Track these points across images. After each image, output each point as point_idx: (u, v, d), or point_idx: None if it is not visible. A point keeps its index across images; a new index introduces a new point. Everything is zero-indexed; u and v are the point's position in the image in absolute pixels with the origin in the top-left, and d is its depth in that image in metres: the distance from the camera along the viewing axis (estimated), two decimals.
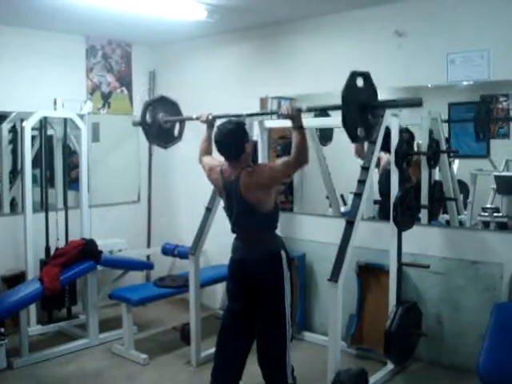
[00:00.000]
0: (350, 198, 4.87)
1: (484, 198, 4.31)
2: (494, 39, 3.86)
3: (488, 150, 4.39)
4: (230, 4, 4.30)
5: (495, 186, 4.26)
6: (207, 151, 3.70)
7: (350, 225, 3.45)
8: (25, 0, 4.12)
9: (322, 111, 4.81)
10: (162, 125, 4.04)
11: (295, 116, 3.05)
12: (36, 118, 4.73)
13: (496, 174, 4.22)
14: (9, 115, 5.04)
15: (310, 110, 3.19)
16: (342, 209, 5.03)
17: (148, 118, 3.99)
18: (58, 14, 4.55)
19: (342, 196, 5.09)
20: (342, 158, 5.08)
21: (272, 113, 3.33)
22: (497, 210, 4.22)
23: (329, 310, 3.41)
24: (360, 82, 2.94)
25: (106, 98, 5.77)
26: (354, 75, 2.90)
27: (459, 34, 4.00)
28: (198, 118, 3.82)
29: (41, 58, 5.18)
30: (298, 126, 3.06)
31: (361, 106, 2.92)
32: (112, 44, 5.79)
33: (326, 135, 5.06)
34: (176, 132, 4.18)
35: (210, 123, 3.76)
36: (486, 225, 4.23)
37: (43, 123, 4.95)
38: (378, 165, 4.25)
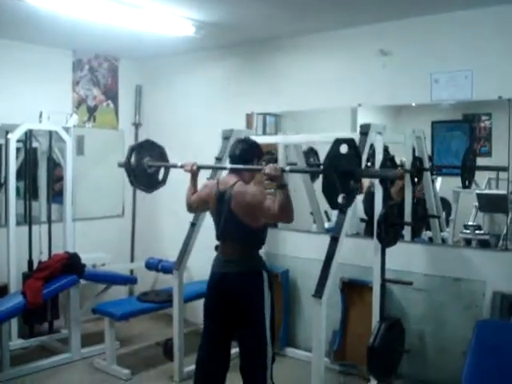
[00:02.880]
0: (333, 215, 4.93)
1: (466, 215, 4.34)
2: (476, 60, 3.93)
3: None
4: (218, 21, 4.35)
5: (477, 204, 4.29)
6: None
7: (334, 241, 3.47)
8: (12, 13, 4.12)
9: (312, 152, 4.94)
10: (146, 169, 3.94)
11: (278, 176, 3.06)
12: (21, 130, 4.71)
13: (478, 191, 4.25)
14: None
15: (292, 171, 3.29)
16: (326, 225, 5.04)
17: (133, 161, 3.88)
18: (46, 28, 4.57)
19: (325, 212, 5.10)
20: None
21: (256, 170, 3.33)
22: (479, 227, 4.25)
23: (312, 326, 3.41)
24: (344, 149, 2.85)
25: (92, 111, 5.77)
26: (337, 143, 2.80)
27: (443, 54, 4.08)
28: (182, 167, 3.71)
29: (27, 70, 5.18)
30: (282, 185, 3.07)
31: (343, 173, 2.82)
32: (99, 58, 5.80)
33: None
34: (160, 176, 4.08)
35: (194, 173, 3.65)
36: (467, 242, 4.25)
37: (28, 135, 4.93)
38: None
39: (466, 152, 4.26)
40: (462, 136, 4.42)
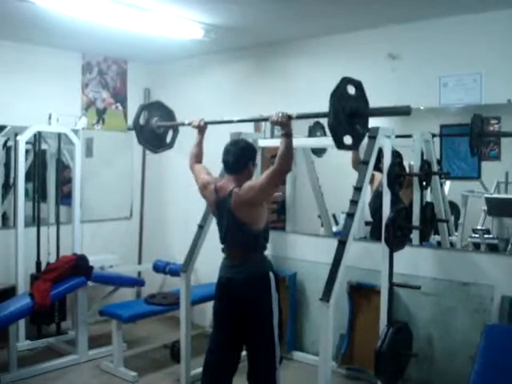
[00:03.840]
0: (341, 218, 4.93)
1: (475, 219, 4.31)
2: (485, 63, 3.93)
3: (479, 172, 4.39)
4: (227, 24, 4.36)
5: (486, 208, 4.25)
6: (197, 157, 3.74)
7: (342, 244, 3.45)
8: (22, 15, 4.15)
9: (319, 127, 4.89)
10: (154, 129, 4.04)
11: (285, 123, 3.08)
12: (30, 132, 4.75)
13: (487, 195, 4.21)
14: (3, 129, 5.04)
15: (299, 117, 3.20)
16: (334, 228, 5.03)
17: (142, 121, 3.98)
18: (55, 30, 4.60)
19: (333, 215, 5.09)
20: (334, 177, 5.09)
21: (263, 119, 3.34)
22: (487, 231, 4.22)
23: (320, 330, 3.40)
24: (351, 90, 2.91)
25: (101, 113, 5.79)
26: (344, 81, 2.86)
27: (452, 57, 4.07)
28: (189, 124, 3.83)
29: (37, 72, 5.21)
30: (287, 133, 3.08)
31: (349, 113, 2.86)
32: (108, 61, 5.82)
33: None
34: (168, 139, 4.17)
35: (201, 129, 3.77)
36: (476, 246, 4.23)
37: (37, 138, 4.96)
38: (371, 181, 4.25)
39: (474, 117, 4.10)
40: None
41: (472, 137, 4.07)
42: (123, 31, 4.51)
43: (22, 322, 4.69)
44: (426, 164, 4.31)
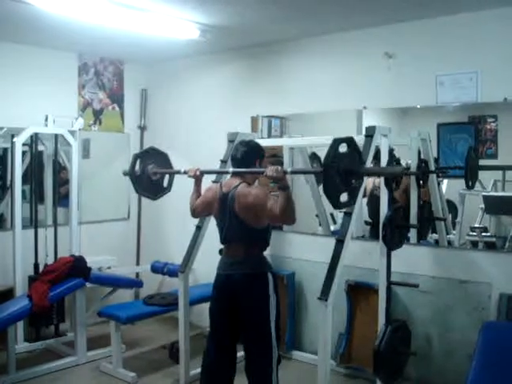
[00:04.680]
0: (339, 217, 4.90)
1: (472, 217, 4.32)
2: (482, 62, 3.93)
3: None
4: (223, 24, 4.36)
5: (483, 206, 4.27)
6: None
7: (340, 243, 3.46)
8: (18, 17, 4.14)
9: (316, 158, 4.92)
10: (151, 176, 3.98)
11: (280, 178, 3.07)
12: (27, 133, 4.73)
13: (484, 194, 4.23)
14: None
15: (294, 172, 3.28)
16: (332, 227, 5.04)
17: (137, 169, 3.92)
18: (51, 31, 4.59)
19: (331, 215, 5.10)
20: None
21: (258, 172, 3.35)
22: (485, 229, 4.23)
23: (319, 329, 3.40)
24: (343, 148, 2.88)
25: (98, 114, 5.79)
26: (336, 142, 2.82)
27: (448, 56, 4.07)
28: (185, 172, 3.74)
29: (33, 74, 5.19)
30: (284, 187, 3.08)
31: (344, 172, 2.84)
32: (104, 61, 5.82)
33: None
34: (165, 183, 4.12)
35: (197, 178, 3.68)
36: (474, 244, 4.24)
37: (34, 139, 4.94)
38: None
39: (468, 152, 4.23)
40: (468, 138, 4.40)
41: (467, 170, 4.13)
42: (119, 32, 4.51)
43: (20, 324, 4.67)
44: (423, 163, 4.33)
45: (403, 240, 3.97)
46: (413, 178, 4.33)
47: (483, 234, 4.22)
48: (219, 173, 4.09)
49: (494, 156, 4.31)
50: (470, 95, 3.99)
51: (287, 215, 3.11)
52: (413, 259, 4.21)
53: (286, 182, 3.09)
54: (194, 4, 3.91)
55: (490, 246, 4.17)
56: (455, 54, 4.05)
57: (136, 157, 3.96)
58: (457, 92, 4.04)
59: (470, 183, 4.20)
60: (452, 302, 4.05)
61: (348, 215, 3.54)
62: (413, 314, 4.22)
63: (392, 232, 3.82)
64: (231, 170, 3.48)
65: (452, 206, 4.52)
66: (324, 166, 2.77)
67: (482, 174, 4.30)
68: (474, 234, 4.25)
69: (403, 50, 4.27)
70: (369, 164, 3.70)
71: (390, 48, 4.31)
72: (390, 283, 3.93)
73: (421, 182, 4.36)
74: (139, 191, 4.03)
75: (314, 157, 5.04)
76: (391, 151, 3.97)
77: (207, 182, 3.78)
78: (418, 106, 4.27)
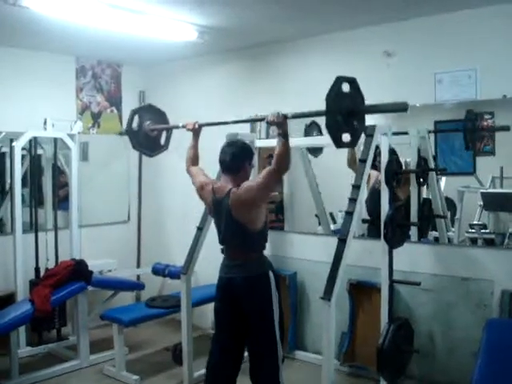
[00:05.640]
0: (339, 216, 4.93)
1: (471, 214, 4.31)
2: (480, 59, 3.93)
3: (474, 167, 4.41)
4: (220, 25, 4.36)
5: (482, 203, 4.26)
6: (193, 160, 3.73)
7: (342, 243, 3.45)
8: (14, 20, 4.14)
9: (315, 126, 4.90)
10: (148, 133, 4.02)
11: (281, 122, 3.05)
12: (26, 138, 4.72)
13: (483, 191, 4.22)
14: None
15: (295, 116, 3.17)
16: (332, 227, 5.03)
17: (135, 125, 3.98)
18: (49, 35, 4.59)
19: (331, 214, 5.09)
20: (330, 176, 5.08)
21: (258, 120, 3.34)
22: (484, 226, 4.23)
23: (322, 329, 3.40)
24: (346, 88, 2.88)
25: (96, 117, 5.79)
26: (339, 80, 2.82)
27: (446, 53, 4.08)
28: (184, 126, 3.81)
29: (30, 78, 5.19)
30: (284, 133, 3.06)
31: (346, 111, 2.84)
32: (102, 64, 5.82)
33: (316, 147, 5.06)
34: (162, 141, 4.16)
35: (196, 131, 3.76)
36: (473, 241, 4.24)
37: (33, 143, 4.93)
38: (367, 179, 4.26)
39: (467, 114, 4.23)
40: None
41: (466, 132, 4.13)
42: (117, 34, 4.51)
43: (22, 329, 4.66)
44: (422, 160, 4.33)
45: (405, 238, 3.98)
46: (413, 175, 4.33)
47: (482, 230, 4.22)
48: (219, 124, 3.94)
49: (492, 152, 4.32)
50: (469, 93, 4.00)
51: (284, 161, 3.06)
52: (414, 257, 4.21)
53: (285, 128, 3.06)
54: (191, 6, 3.90)
55: (489, 243, 4.17)
56: (454, 52, 4.06)
57: (134, 112, 4.02)
58: (455, 90, 4.04)
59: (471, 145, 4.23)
60: (454, 300, 4.05)
61: (349, 214, 3.54)
62: (415, 312, 4.22)
63: (393, 230, 3.83)
64: (231, 120, 3.52)
65: (451, 204, 4.51)
66: (327, 102, 2.75)
67: (479, 172, 4.33)
68: (473, 230, 4.25)
69: (402, 48, 4.27)
70: (369, 165, 3.71)
71: (389, 46, 4.32)
72: (392, 281, 3.94)
73: (421, 179, 4.35)
74: (136, 146, 4.07)
75: (314, 124, 4.97)
76: (392, 150, 3.97)
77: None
78: (417, 105, 4.26)
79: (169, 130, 4.15)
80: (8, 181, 5.05)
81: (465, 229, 4.30)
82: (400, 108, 2.94)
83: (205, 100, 5.59)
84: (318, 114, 2.97)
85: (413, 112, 4.38)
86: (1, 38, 4.74)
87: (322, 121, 4.82)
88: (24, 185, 4.88)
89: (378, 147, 3.86)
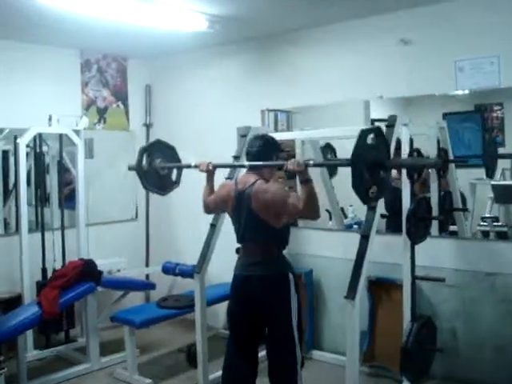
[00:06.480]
0: (350, 211, 4.93)
1: (481, 207, 4.24)
2: (503, 45, 3.80)
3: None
4: (232, 14, 4.21)
5: (493, 196, 4.19)
6: (210, 202, 3.54)
7: (365, 239, 3.31)
8: (17, 13, 4.01)
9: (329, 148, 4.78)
10: (158, 171, 3.83)
11: (302, 171, 2.95)
12: (31, 134, 4.59)
13: (493, 183, 4.14)
14: (1, 132, 4.90)
15: (317, 165, 3.08)
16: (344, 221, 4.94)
17: (144, 163, 3.76)
18: (51, 27, 4.46)
19: (342, 209, 4.97)
20: (338, 170, 4.90)
21: (277, 166, 3.21)
22: (496, 219, 4.16)
23: (341, 328, 3.27)
24: (370, 139, 2.74)
25: (102, 113, 5.66)
26: (364, 133, 2.67)
27: (467, 40, 3.95)
28: (196, 167, 3.58)
29: (34, 72, 5.06)
30: (306, 180, 2.97)
31: (372, 164, 2.69)
32: (107, 58, 5.69)
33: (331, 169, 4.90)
34: (174, 177, 3.96)
35: (210, 173, 3.53)
36: (485, 234, 4.18)
37: (37, 140, 4.80)
38: None
39: (484, 140, 4.21)
40: (475, 127, 4.33)
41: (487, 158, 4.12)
42: (122, 26, 4.37)
43: (29, 331, 4.48)
44: (442, 152, 4.20)
45: (427, 233, 3.86)
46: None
47: (494, 223, 4.15)
48: (233, 167, 3.92)
49: (502, 144, 4.25)
50: (492, 80, 3.87)
51: (312, 209, 3.00)
52: (435, 252, 4.08)
53: (307, 175, 2.97)
54: None
55: (502, 236, 4.08)
56: (474, 38, 3.91)
57: (143, 150, 3.80)
58: (477, 77, 3.91)
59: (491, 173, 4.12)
60: (478, 295, 3.93)
61: (372, 209, 3.39)
62: (437, 308, 4.10)
63: (416, 225, 3.70)
64: (247, 163, 3.34)
65: (461, 196, 4.37)
66: (352, 158, 2.60)
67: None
68: (485, 223, 4.18)
69: (420, 36, 4.12)
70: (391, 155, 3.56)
71: (404, 34, 4.17)
72: (414, 278, 3.81)
73: (441, 172, 4.21)
74: (147, 187, 3.86)
75: (327, 147, 4.92)
76: (411, 141, 3.83)
77: (219, 178, 3.63)
78: (437, 94, 4.13)
79: (179, 167, 3.97)
80: (12, 179, 4.93)
81: (477, 222, 4.23)
82: (431, 165, 2.94)
83: (214, 93, 5.46)
84: (342, 164, 2.83)
85: (420, 103, 4.31)
86: (3, 32, 4.59)
87: (335, 143, 4.76)
88: (28, 183, 4.73)
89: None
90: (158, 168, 3.82)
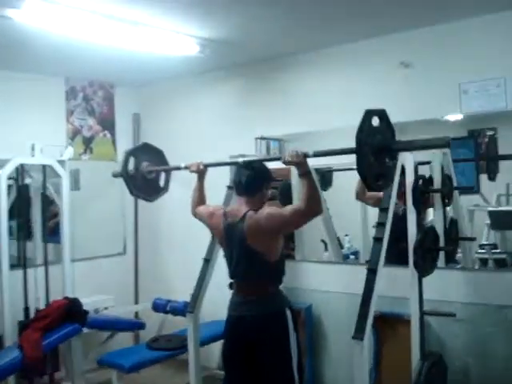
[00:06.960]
0: (346, 241, 4.81)
1: (476, 234, 4.13)
2: (509, 67, 3.67)
3: (478, 185, 4.27)
4: (224, 38, 4.08)
5: (489, 222, 4.10)
6: (200, 201, 3.45)
7: (372, 273, 3.11)
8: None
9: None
10: (145, 175, 3.69)
11: (301, 162, 2.78)
12: (12, 165, 4.41)
13: (490, 209, 4.06)
14: None
15: (316, 154, 2.85)
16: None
17: (130, 168, 3.64)
18: (36, 54, 4.33)
19: (337, 239, 4.81)
20: (335, 199, 4.81)
21: (274, 159, 3.05)
22: (495, 246, 4.06)
23: (353, 370, 3.02)
24: (375, 122, 2.62)
25: (88, 142, 5.48)
26: (368, 115, 2.55)
27: (472, 62, 3.81)
28: (187, 167, 3.47)
29: (17, 101, 4.90)
30: (306, 172, 2.80)
31: (377, 148, 2.55)
32: (93, 85, 5.53)
33: (325, 179, 4.83)
34: (162, 183, 3.83)
35: (201, 173, 3.44)
36: (483, 262, 4.05)
37: (20, 171, 4.61)
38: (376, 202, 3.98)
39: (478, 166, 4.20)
40: (468, 153, 4.27)
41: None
42: (109, 50, 4.22)
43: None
44: (447, 178, 4.02)
45: (435, 265, 3.65)
46: (437, 195, 4.01)
47: (493, 250, 4.04)
48: (226, 164, 3.71)
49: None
50: (498, 103, 3.72)
51: (315, 204, 2.81)
52: (443, 284, 3.85)
53: (306, 167, 2.79)
54: (193, 16, 3.62)
55: (500, 264, 3.96)
56: (479, 60, 3.78)
57: (128, 154, 3.67)
58: (483, 100, 3.78)
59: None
60: (491, 330, 3.69)
61: (379, 240, 3.20)
62: (447, 345, 3.86)
63: (424, 257, 3.50)
64: (241, 160, 3.16)
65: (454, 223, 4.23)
66: (357, 141, 2.46)
67: (484, 189, 4.20)
68: (483, 251, 4.06)
69: (421, 59, 4.00)
70: (395, 186, 3.37)
71: (406, 57, 4.04)
72: (422, 313, 3.59)
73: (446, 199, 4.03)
74: (133, 191, 3.71)
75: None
76: (416, 167, 3.66)
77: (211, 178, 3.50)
78: (442, 118, 4.00)
79: (168, 172, 3.82)
80: None
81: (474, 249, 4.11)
82: (440, 144, 2.70)
83: (205, 120, 5.31)
84: (345, 151, 2.65)
85: (415, 129, 4.14)
86: None
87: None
88: (11, 216, 4.54)
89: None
90: (144, 172, 3.69)
